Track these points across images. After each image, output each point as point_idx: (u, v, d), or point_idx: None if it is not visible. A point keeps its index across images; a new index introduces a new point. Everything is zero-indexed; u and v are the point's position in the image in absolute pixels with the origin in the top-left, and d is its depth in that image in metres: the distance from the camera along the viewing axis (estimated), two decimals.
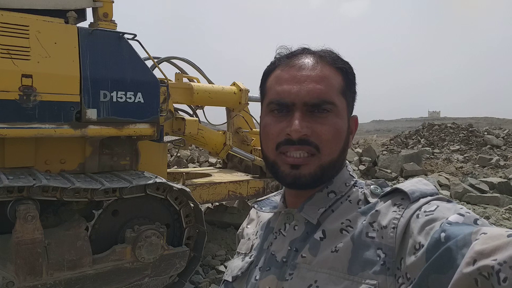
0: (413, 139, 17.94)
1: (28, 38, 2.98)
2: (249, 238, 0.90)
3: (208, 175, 5.08)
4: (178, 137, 4.26)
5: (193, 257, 3.72)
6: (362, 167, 10.76)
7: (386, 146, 17.26)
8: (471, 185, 8.41)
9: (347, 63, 0.80)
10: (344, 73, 0.79)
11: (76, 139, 3.42)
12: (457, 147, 15.44)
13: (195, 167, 8.11)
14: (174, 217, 3.68)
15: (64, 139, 3.34)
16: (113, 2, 3.48)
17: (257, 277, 0.78)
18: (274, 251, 0.78)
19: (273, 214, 0.87)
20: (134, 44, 3.49)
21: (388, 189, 0.74)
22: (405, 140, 18.19)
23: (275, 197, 0.91)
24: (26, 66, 2.97)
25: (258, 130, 5.59)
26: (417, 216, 0.64)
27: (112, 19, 3.48)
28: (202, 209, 3.73)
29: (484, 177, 9.63)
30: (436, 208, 0.63)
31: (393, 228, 0.66)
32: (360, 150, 12.92)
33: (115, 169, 3.72)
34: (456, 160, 12.91)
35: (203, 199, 4.42)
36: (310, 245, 0.73)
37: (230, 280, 0.85)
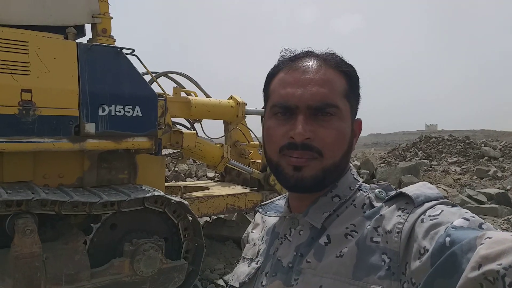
0: (410, 152, 17.99)
1: (28, 53, 3.02)
2: (254, 244, 0.90)
3: (206, 188, 5.08)
4: (176, 150, 4.29)
5: (192, 271, 3.70)
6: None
7: (384, 159, 17.30)
8: (469, 197, 8.43)
9: (350, 66, 0.80)
10: (347, 76, 0.78)
11: (74, 153, 3.44)
12: (455, 159, 15.49)
13: (193, 181, 8.10)
14: (173, 230, 3.67)
15: (62, 153, 3.36)
16: (111, 18, 3.55)
17: (264, 283, 0.78)
18: (280, 256, 0.79)
19: (278, 219, 0.86)
20: (132, 59, 3.54)
21: (393, 193, 0.73)
22: (402, 152, 18.24)
23: (280, 201, 0.91)
24: (26, 81, 3.01)
25: (255, 143, 5.64)
26: (422, 221, 0.64)
27: (111, 34, 3.54)
28: (201, 223, 3.73)
29: (482, 189, 9.65)
30: (440, 213, 0.63)
31: (398, 232, 0.65)
32: (358, 163, 12.95)
33: (113, 182, 3.72)
34: (454, 172, 12.94)
35: (201, 212, 4.42)
36: (315, 250, 0.73)
37: (237, 286, 0.85)
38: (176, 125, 4.59)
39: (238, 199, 4.73)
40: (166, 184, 4.65)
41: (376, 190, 0.77)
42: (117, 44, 3.55)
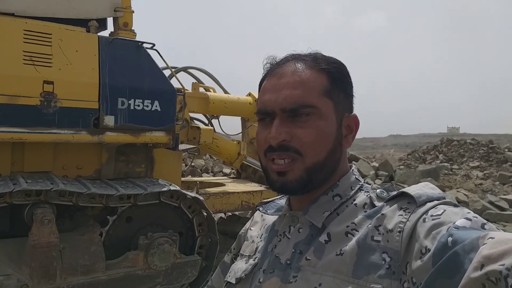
0: (431, 155, 17.66)
1: (51, 45, 3.06)
2: (253, 241, 0.91)
3: (222, 184, 5.08)
4: (193, 146, 4.29)
5: (205, 266, 3.71)
6: (378, 181, 10.63)
7: (403, 161, 17.04)
8: (491, 202, 8.22)
9: (333, 63, 0.81)
10: (328, 73, 0.79)
11: (93, 146, 3.48)
12: (477, 163, 15.14)
13: (209, 177, 8.13)
14: (187, 225, 3.68)
15: (81, 145, 3.40)
16: (133, 12, 3.57)
17: (261, 280, 0.78)
18: (278, 253, 0.79)
19: (278, 217, 0.87)
20: (152, 53, 3.55)
21: (394, 192, 0.73)
22: (422, 155, 17.92)
23: (281, 200, 0.92)
24: (48, 73, 3.05)
25: None
26: (424, 220, 0.63)
27: (132, 28, 3.56)
28: (215, 219, 3.73)
29: (504, 195, 9.40)
30: (443, 212, 0.63)
31: (399, 232, 0.65)
32: (377, 164, 12.79)
33: (130, 176, 3.76)
34: (475, 177, 12.65)
35: (216, 208, 4.42)
36: (315, 248, 0.73)
37: (234, 282, 0.85)
38: (194, 120, 4.61)
39: (254, 196, 4.72)
40: (183, 179, 4.67)
41: (378, 190, 0.76)
42: (138, 38, 3.56)
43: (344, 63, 0.83)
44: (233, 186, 5.02)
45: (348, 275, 0.67)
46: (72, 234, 3.13)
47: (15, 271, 2.76)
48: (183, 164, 7.00)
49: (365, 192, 0.78)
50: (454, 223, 0.59)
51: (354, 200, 0.78)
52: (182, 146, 4.21)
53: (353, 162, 12.62)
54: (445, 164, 15.13)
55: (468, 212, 0.62)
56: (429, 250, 0.58)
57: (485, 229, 0.57)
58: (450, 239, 0.56)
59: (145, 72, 3.50)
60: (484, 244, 0.52)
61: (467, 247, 0.53)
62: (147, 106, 3.49)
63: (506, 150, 16.66)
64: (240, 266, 0.87)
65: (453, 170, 14.00)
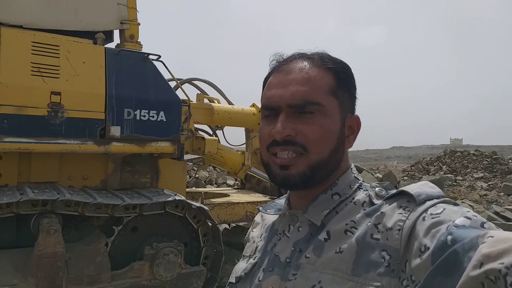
0: (434, 166, 17.61)
1: (58, 57, 3.11)
2: (253, 241, 0.91)
3: (226, 195, 5.08)
4: (197, 156, 4.31)
5: (210, 277, 3.69)
6: None
7: (407, 172, 16.99)
8: (496, 213, 8.16)
9: (339, 63, 0.81)
10: (335, 73, 0.79)
11: (99, 156, 3.50)
12: (481, 174, 15.07)
13: (213, 188, 8.13)
14: (192, 235, 3.68)
15: (87, 155, 3.42)
16: (139, 24, 3.62)
17: (260, 278, 0.79)
18: (278, 252, 0.79)
19: (277, 216, 0.87)
20: (158, 65, 3.59)
21: (394, 191, 0.73)
22: (426, 166, 17.87)
23: (280, 200, 0.92)
24: (55, 83, 3.09)
25: None
26: (423, 219, 0.63)
27: (138, 40, 3.61)
28: (220, 230, 3.72)
29: (509, 205, 9.34)
30: (442, 211, 0.62)
31: (399, 230, 0.65)
32: (381, 176, 12.76)
33: (136, 186, 3.77)
34: (480, 188, 12.58)
35: (221, 219, 4.41)
36: (314, 245, 0.73)
37: (234, 281, 0.86)
38: (199, 131, 4.63)
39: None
40: (187, 190, 4.67)
41: (377, 189, 0.76)
42: (143, 50, 3.61)
43: (348, 65, 0.83)
44: (237, 197, 5.02)
45: (348, 273, 0.67)
46: (78, 244, 3.13)
47: (21, 281, 2.76)
48: (187, 176, 7.01)
49: (364, 190, 0.78)
50: (454, 221, 0.59)
51: (353, 198, 0.77)
52: (187, 157, 4.22)
53: None
54: (449, 175, 15.07)
55: (468, 211, 0.62)
56: (429, 248, 0.58)
57: (484, 227, 0.57)
58: (449, 237, 0.56)
59: (151, 83, 3.54)
60: (483, 242, 0.52)
61: (466, 246, 0.53)
62: (153, 117, 3.52)
63: (510, 161, 16.59)
64: (240, 266, 0.88)
65: (457, 181, 13.94)
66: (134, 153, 3.53)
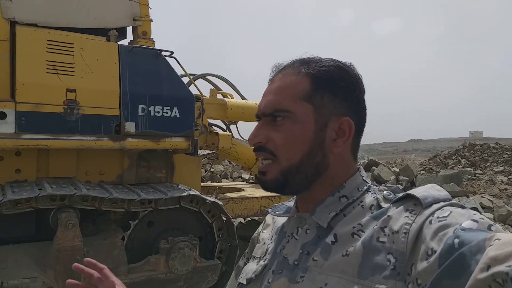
0: (453, 159, 17.28)
1: (73, 55, 3.16)
2: (264, 243, 0.92)
3: (241, 189, 5.10)
4: (211, 151, 4.33)
5: (225, 271, 3.72)
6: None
7: (424, 166, 16.73)
8: None
9: (322, 67, 0.80)
10: (313, 77, 0.79)
11: (115, 152, 3.56)
12: (501, 168, 14.73)
13: (228, 182, 8.17)
14: (207, 230, 3.71)
15: (103, 151, 3.48)
16: (151, 21, 3.65)
17: (270, 280, 0.80)
18: (286, 254, 0.80)
19: (287, 219, 0.88)
20: (171, 61, 3.62)
21: (401, 194, 0.73)
22: (444, 160, 17.56)
23: (290, 202, 0.93)
24: (71, 81, 3.14)
25: None
26: (430, 222, 0.63)
27: (151, 37, 3.64)
28: (235, 224, 3.75)
29: None
30: (449, 214, 0.63)
31: (405, 233, 0.66)
32: (397, 170, 12.61)
33: (151, 181, 3.82)
34: (500, 182, 12.32)
35: (236, 213, 4.44)
36: (322, 248, 0.74)
37: (245, 283, 0.87)
38: (212, 126, 4.65)
39: (272, 201, 4.71)
40: (202, 184, 4.71)
41: (385, 192, 0.77)
42: (156, 46, 3.64)
43: (343, 66, 0.81)
44: (252, 191, 5.03)
45: (354, 276, 0.67)
46: (95, 238, 3.20)
47: (40, 274, 2.83)
48: (203, 170, 7.06)
49: (372, 193, 0.78)
50: (461, 224, 0.59)
51: (361, 201, 0.78)
52: (201, 152, 4.25)
53: (372, 167, 12.47)
54: (468, 169, 14.78)
55: (475, 214, 0.62)
56: (435, 251, 0.58)
57: (491, 230, 0.57)
58: (456, 240, 0.56)
59: (164, 79, 3.57)
60: (490, 245, 0.52)
61: (473, 249, 0.53)
62: (167, 113, 3.55)
63: None
64: (251, 267, 0.89)
65: (477, 175, 13.67)
66: (149, 149, 3.57)
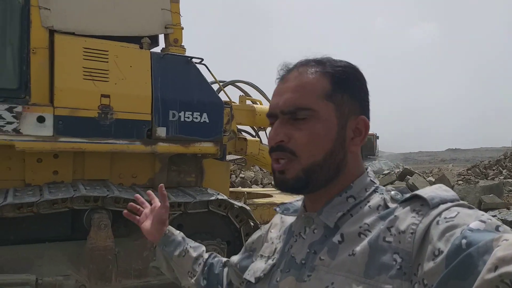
0: (493, 170, 16.56)
1: (107, 61, 3.30)
2: (272, 242, 0.93)
3: (270, 196, 5.10)
4: (240, 157, 4.37)
5: None
6: None
7: (462, 176, 16.13)
8: None
9: (338, 66, 0.82)
10: (331, 76, 0.80)
11: (147, 156, 3.66)
12: None
13: (258, 188, 8.19)
14: (235, 234, 3.73)
15: (136, 155, 3.59)
16: (182, 28, 3.75)
17: (278, 279, 0.81)
18: (294, 253, 0.81)
19: (295, 218, 0.89)
20: (201, 67, 3.71)
21: (408, 195, 0.73)
22: (484, 170, 16.85)
23: (298, 202, 0.93)
24: (105, 87, 3.27)
25: None
26: (437, 223, 0.63)
27: (182, 44, 3.74)
28: None
29: None
30: (456, 215, 0.63)
31: (412, 233, 0.66)
32: (433, 179, 12.24)
33: (181, 185, 3.89)
34: None
35: (264, 219, 4.43)
36: (329, 248, 0.74)
37: (253, 281, 0.88)
38: (241, 132, 4.70)
39: None
40: (232, 189, 4.75)
41: (392, 192, 0.77)
42: (186, 53, 3.74)
43: (355, 67, 0.84)
44: (280, 198, 5.02)
45: (360, 275, 0.68)
46: (126, 239, 3.29)
47: (74, 272, 2.94)
48: (233, 176, 7.11)
49: (380, 194, 0.78)
50: (468, 225, 0.59)
51: (369, 201, 0.78)
52: (230, 157, 4.30)
53: (407, 176, 12.15)
54: (510, 180, 14.12)
55: (482, 214, 0.62)
56: (442, 252, 0.59)
57: (499, 231, 0.57)
58: (464, 241, 0.56)
59: (194, 85, 3.66)
60: (498, 246, 0.52)
61: (481, 249, 0.53)
62: (196, 118, 3.63)
63: None
64: (259, 266, 0.90)
65: None
66: (179, 153, 3.65)
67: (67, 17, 3.28)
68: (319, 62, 0.82)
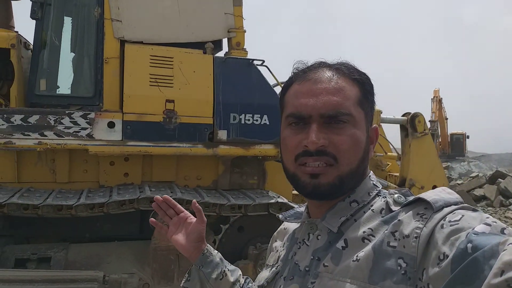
0: None
1: (172, 68, 3.42)
2: (277, 250, 0.93)
3: None
4: None
5: None
6: None
7: None
8: None
9: (363, 74, 0.82)
10: (360, 84, 0.80)
11: (210, 158, 3.74)
12: None
13: None
14: None
15: (200, 157, 3.68)
16: (245, 31, 3.77)
17: (282, 287, 0.81)
18: (298, 260, 0.80)
19: (298, 225, 0.89)
20: (262, 69, 3.69)
21: (411, 198, 0.72)
22: None
23: (301, 208, 0.92)
24: (170, 92, 3.41)
25: (393, 154, 5.27)
26: (442, 226, 0.62)
27: (244, 47, 3.76)
28: None
29: None
30: (461, 218, 0.61)
31: (416, 237, 0.64)
32: None
33: (243, 187, 3.92)
34: None
35: None
36: (332, 254, 0.73)
37: None
38: None
39: None
40: (294, 192, 4.68)
41: (395, 195, 0.75)
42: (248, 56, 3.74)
43: (369, 77, 0.84)
44: None
45: (364, 281, 0.66)
46: None
47: (139, 270, 3.10)
48: None
49: (383, 197, 0.78)
50: (473, 228, 0.57)
51: (372, 206, 0.77)
52: None
53: (498, 179, 11.06)
54: None
55: (487, 217, 0.60)
56: (447, 256, 0.57)
57: (504, 234, 0.56)
58: (469, 245, 0.55)
59: (255, 87, 3.65)
60: (504, 250, 0.50)
61: (487, 253, 0.52)
62: (257, 120, 3.62)
63: None
64: (263, 275, 0.90)
65: None
66: (240, 156, 3.68)
67: (136, 27, 3.46)
68: (347, 67, 0.81)
